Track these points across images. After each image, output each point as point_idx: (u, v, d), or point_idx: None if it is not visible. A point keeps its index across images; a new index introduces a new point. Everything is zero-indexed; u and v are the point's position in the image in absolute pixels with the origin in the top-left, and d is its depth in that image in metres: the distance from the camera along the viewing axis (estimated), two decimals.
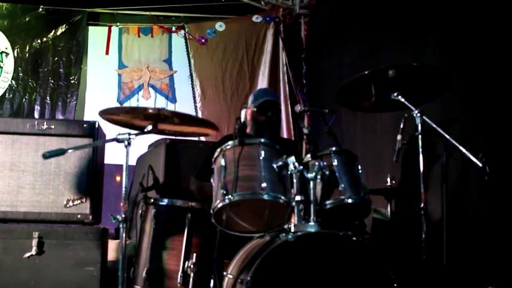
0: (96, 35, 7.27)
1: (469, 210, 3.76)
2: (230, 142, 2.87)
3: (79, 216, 3.47)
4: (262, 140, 2.87)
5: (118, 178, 6.89)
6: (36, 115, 6.81)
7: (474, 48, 3.91)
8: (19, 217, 3.46)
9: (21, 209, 3.47)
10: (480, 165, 2.73)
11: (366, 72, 3.06)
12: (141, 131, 2.81)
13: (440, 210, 3.20)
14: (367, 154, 5.08)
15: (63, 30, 7.10)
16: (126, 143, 2.69)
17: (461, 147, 2.82)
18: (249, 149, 2.83)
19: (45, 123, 3.51)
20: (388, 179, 3.64)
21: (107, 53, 7.22)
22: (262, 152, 2.81)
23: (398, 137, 3.52)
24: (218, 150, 2.91)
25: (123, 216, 2.66)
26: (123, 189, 2.69)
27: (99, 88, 7.12)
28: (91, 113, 6.90)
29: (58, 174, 3.51)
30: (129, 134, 2.68)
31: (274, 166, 2.79)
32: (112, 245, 4.53)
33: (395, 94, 3.10)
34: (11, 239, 3.35)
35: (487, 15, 3.84)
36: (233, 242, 3.28)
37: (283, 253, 2.55)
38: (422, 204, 2.98)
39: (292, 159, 2.77)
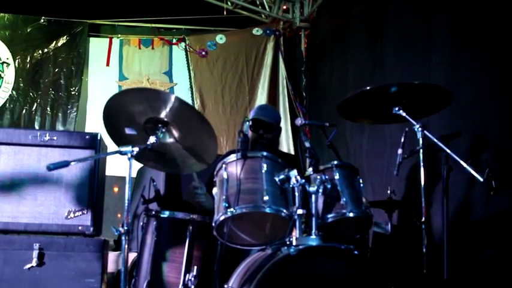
0: (97, 46, 7.33)
1: (472, 224, 3.78)
2: (232, 155, 2.89)
3: (80, 227, 3.46)
4: (265, 154, 2.88)
5: (116, 189, 6.90)
6: (37, 126, 6.82)
7: (481, 61, 3.96)
8: (20, 228, 3.45)
9: (22, 220, 3.46)
10: (481, 179, 2.74)
11: (368, 88, 3.07)
12: (144, 144, 2.81)
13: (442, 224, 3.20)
14: (374, 167, 5.10)
15: (64, 41, 7.16)
16: (129, 155, 2.69)
17: (461, 162, 2.83)
18: (251, 162, 2.85)
19: (47, 134, 3.51)
20: (389, 192, 3.64)
21: (107, 64, 7.28)
22: (265, 165, 2.82)
23: (399, 151, 3.54)
24: (220, 163, 2.92)
25: (126, 228, 2.66)
26: (126, 201, 2.69)
27: (100, 99, 7.09)
28: (92, 125, 6.92)
29: (60, 185, 3.51)
30: (132, 146, 2.68)
31: (276, 179, 2.80)
32: (111, 257, 4.52)
33: (396, 109, 3.12)
34: (11, 250, 3.33)
35: (492, 27, 3.89)
36: (234, 255, 3.29)
37: (285, 266, 2.55)
38: (423, 218, 2.98)
39: (294, 172, 2.77)
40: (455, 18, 4.31)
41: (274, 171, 2.83)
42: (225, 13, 6.81)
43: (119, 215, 6.38)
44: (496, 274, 3.67)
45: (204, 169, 3.30)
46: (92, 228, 3.48)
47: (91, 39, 7.31)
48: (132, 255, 4.38)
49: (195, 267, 3.10)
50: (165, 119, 2.98)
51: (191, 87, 7.38)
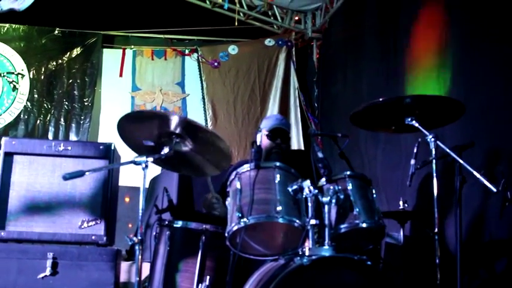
0: (110, 57, 7.39)
1: (486, 236, 3.75)
2: (246, 165, 2.89)
3: (93, 237, 3.49)
4: (278, 164, 2.88)
5: (127, 199, 6.93)
6: (50, 136, 6.88)
7: (495, 71, 3.95)
8: (34, 237, 3.48)
9: (36, 230, 3.49)
10: (495, 190, 2.73)
11: (381, 100, 3.08)
12: (159, 154, 2.83)
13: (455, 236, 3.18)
14: (388, 178, 5.09)
15: (78, 52, 7.23)
16: (143, 165, 2.71)
17: (475, 172, 2.82)
18: (264, 173, 2.85)
19: (62, 144, 3.55)
20: (401, 203, 3.63)
21: (120, 75, 7.33)
22: (278, 176, 2.83)
23: (412, 161, 3.53)
24: (234, 173, 2.93)
25: (139, 238, 2.67)
26: (140, 211, 2.70)
27: (113, 110, 7.18)
28: (105, 135, 6.97)
29: (73, 195, 3.54)
30: (147, 156, 2.70)
31: (290, 190, 2.80)
32: (123, 267, 4.53)
33: (409, 119, 3.12)
34: (25, 259, 3.37)
35: (507, 37, 3.88)
36: (246, 265, 3.29)
37: (298, 277, 2.54)
38: (436, 229, 2.97)
39: (307, 183, 2.77)
40: (469, 29, 4.31)
41: (287, 182, 2.83)
42: (236, 24, 6.82)
43: (130, 225, 6.40)
44: (510, 286, 3.65)
45: (216, 178, 3.33)
46: (105, 238, 3.50)
47: (104, 50, 7.38)
48: (145, 265, 4.39)
49: (208, 277, 3.10)
50: (177, 132, 3.00)
51: (203, 97, 7.41)
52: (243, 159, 3.86)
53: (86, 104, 7.11)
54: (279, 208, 2.71)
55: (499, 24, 3.96)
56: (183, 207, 4.58)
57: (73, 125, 7.03)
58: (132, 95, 7.32)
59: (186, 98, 7.47)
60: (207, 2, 7.33)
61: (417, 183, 4.22)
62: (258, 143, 2.96)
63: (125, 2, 6.92)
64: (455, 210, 3.08)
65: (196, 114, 7.34)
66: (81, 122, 7.05)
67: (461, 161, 2.89)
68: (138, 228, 2.71)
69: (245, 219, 2.70)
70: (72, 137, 6.93)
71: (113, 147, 3.59)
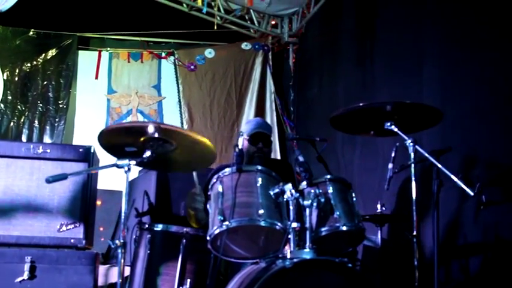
0: (86, 59, 7.34)
1: (461, 238, 3.83)
2: (227, 169, 2.91)
3: (72, 240, 3.46)
4: (259, 167, 2.90)
5: (99, 203, 6.87)
6: (24, 139, 6.80)
7: (472, 77, 4.03)
8: (11, 241, 3.44)
9: (13, 233, 3.45)
10: (472, 194, 2.79)
11: (361, 104, 3.12)
12: (141, 157, 2.82)
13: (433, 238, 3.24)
14: (365, 182, 5.15)
15: (53, 54, 7.16)
16: (125, 168, 2.70)
17: (452, 176, 2.88)
18: (246, 176, 2.87)
19: (40, 147, 3.51)
20: (378, 206, 3.68)
21: (96, 77, 7.28)
22: (259, 179, 2.85)
23: (390, 165, 3.59)
24: (215, 176, 2.94)
25: (122, 241, 2.67)
26: (123, 214, 2.69)
27: (88, 113, 7.15)
28: (79, 138, 6.91)
29: (52, 198, 3.51)
30: (129, 160, 2.70)
31: (271, 193, 2.82)
32: (100, 270, 4.50)
33: (388, 124, 3.17)
34: (2, 263, 3.32)
35: (483, 44, 3.97)
36: (226, 268, 3.30)
37: (281, 279, 2.56)
38: (415, 232, 3.02)
39: (289, 186, 2.80)
40: (446, 35, 4.39)
41: (268, 185, 2.85)
42: (215, 28, 6.83)
43: (101, 228, 6.33)
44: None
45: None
46: (84, 241, 3.48)
47: (80, 52, 7.32)
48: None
49: (189, 280, 3.11)
50: (157, 136, 2.99)
51: (179, 101, 7.39)
52: (224, 163, 3.87)
53: (60, 106, 7.04)
54: (261, 211, 2.73)
55: (475, 30, 4.04)
56: (161, 211, 4.58)
57: (47, 127, 6.95)
58: (107, 97, 7.27)
59: (162, 101, 7.46)
60: (184, 5, 7.31)
61: (394, 187, 4.27)
62: (240, 147, 2.96)
63: (101, 4, 6.87)
64: (432, 214, 3.14)
65: (173, 117, 7.32)
66: (56, 125, 6.97)
67: (439, 165, 2.95)
68: (120, 231, 2.70)
69: (227, 223, 2.72)
70: (47, 139, 6.85)
71: (92, 150, 3.57)
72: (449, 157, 3.34)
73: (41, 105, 6.99)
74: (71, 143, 6.72)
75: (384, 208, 3.64)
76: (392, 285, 3.70)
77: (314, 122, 6.90)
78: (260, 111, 7.55)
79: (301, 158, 3.11)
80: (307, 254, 2.71)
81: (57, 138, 6.86)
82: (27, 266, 3.32)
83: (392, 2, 5.34)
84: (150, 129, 2.89)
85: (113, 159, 3.19)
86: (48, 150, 3.52)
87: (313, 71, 7.18)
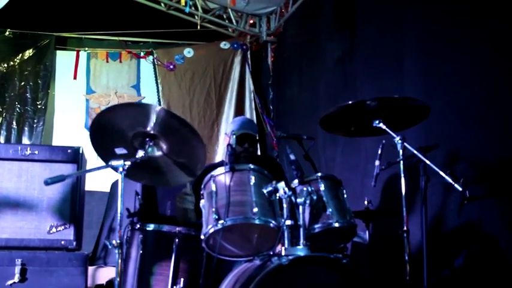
0: (64, 59, 7.28)
1: (445, 233, 3.91)
2: (220, 168, 2.93)
3: (63, 242, 3.45)
4: (252, 166, 2.94)
5: None
6: (2, 140, 6.72)
7: (453, 74, 4.12)
8: (1, 244, 3.41)
9: (2, 236, 3.42)
10: (460, 189, 2.86)
11: (350, 103, 3.17)
12: (134, 158, 2.83)
13: (419, 233, 3.30)
14: (348, 179, 5.17)
15: (30, 54, 7.08)
16: (120, 169, 2.71)
17: (441, 172, 2.94)
18: (239, 175, 2.90)
19: (28, 148, 3.49)
20: (366, 202, 3.74)
21: (74, 77, 7.22)
22: (253, 178, 2.88)
23: (377, 162, 3.65)
24: (208, 176, 2.96)
25: (119, 242, 2.67)
26: (118, 215, 2.70)
27: (67, 113, 7.10)
28: (59, 139, 6.85)
29: (41, 199, 3.49)
30: (124, 160, 2.70)
31: (264, 191, 2.86)
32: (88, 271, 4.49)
33: (377, 122, 3.22)
34: None
35: (463, 41, 4.05)
36: (217, 267, 3.32)
37: (277, 276, 2.60)
38: (405, 227, 3.08)
39: (282, 184, 2.84)
40: (427, 31, 4.46)
41: (261, 183, 2.89)
42: (199, 27, 6.82)
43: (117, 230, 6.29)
44: (467, 281, 3.82)
45: None
46: (74, 243, 3.46)
47: (58, 52, 7.25)
48: (108, 269, 4.37)
49: (182, 279, 3.13)
50: (152, 132, 3.00)
51: (159, 100, 7.38)
52: (213, 163, 3.90)
53: (39, 107, 6.96)
54: (256, 209, 2.76)
55: (456, 26, 4.12)
56: (147, 211, 4.57)
57: (26, 128, 6.87)
58: (86, 97, 7.22)
59: (142, 100, 7.42)
60: (162, 4, 7.30)
61: (378, 184, 4.32)
62: (233, 146, 2.99)
63: (78, 4, 6.81)
64: (420, 209, 3.20)
65: None
66: (34, 126, 6.90)
67: (428, 162, 3.01)
68: (116, 231, 2.70)
69: (222, 221, 2.75)
70: (25, 140, 6.77)
71: (81, 151, 3.55)
72: (433, 153, 3.40)
73: (18, 106, 6.91)
74: (50, 144, 6.65)
75: (370, 205, 3.70)
76: (381, 280, 3.76)
77: (294, 120, 6.94)
78: (240, 110, 7.58)
79: (292, 156, 3.16)
80: (301, 250, 2.76)
81: (36, 140, 6.79)
82: (17, 269, 3.29)
83: (372, 0, 5.39)
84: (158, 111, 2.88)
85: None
86: (37, 152, 3.50)
87: (292, 69, 7.22)
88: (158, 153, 3.04)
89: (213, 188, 2.87)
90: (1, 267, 3.29)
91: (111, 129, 2.93)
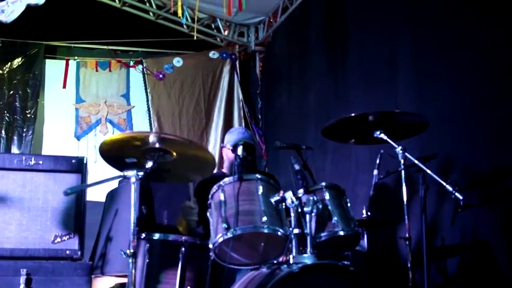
0: (53, 68, 7.26)
1: (439, 240, 4.01)
2: (227, 178, 3.00)
3: (68, 251, 3.47)
4: (259, 176, 3.01)
5: None
6: None
7: (445, 84, 4.22)
8: (5, 254, 3.41)
9: (7, 246, 3.43)
10: (461, 197, 2.96)
11: (353, 115, 3.26)
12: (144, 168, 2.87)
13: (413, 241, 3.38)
14: None
15: (19, 63, 7.06)
16: (133, 179, 2.75)
17: (442, 182, 3.04)
18: (247, 185, 2.96)
19: (33, 158, 3.51)
20: (364, 211, 3.83)
21: (64, 86, 7.21)
22: (260, 187, 2.95)
23: (375, 171, 3.75)
24: (216, 186, 3.02)
25: (132, 251, 2.71)
26: (132, 224, 2.74)
27: (56, 122, 7.08)
28: (49, 148, 6.83)
29: (45, 210, 3.50)
30: (137, 170, 2.75)
31: (272, 200, 2.93)
32: None
33: (378, 132, 3.32)
34: None
35: (455, 52, 4.16)
36: (222, 275, 3.37)
37: (288, 284, 2.66)
38: (407, 235, 3.17)
39: (289, 194, 2.91)
40: (419, 41, 4.57)
41: (269, 193, 2.96)
42: (195, 38, 6.86)
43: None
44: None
45: None
46: (79, 252, 3.49)
47: (47, 61, 7.23)
48: (106, 279, 4.38)
49: (188, 287, 3.17)
50: (158, 146, 3.05)
51: (148, 109, 7.40)
52: (214, 173, 3.94)
53: (28, 116, 6.93)
54: (265, 218, 2.82)
55: (449, 35, 4.23)
56: (144, 220, 4.60)
57: (15, 137, 6.82)
58: (76, 106, 7.21)
59: (132, 110, 7.44)
60: (150, 13, 7.36)
61: (367, 193, 4.38)
62: (241, 156, 3.06)
63: (67, 13, 6.80)
64: (420, 217, 3.30)
65: (142, 126, 7.32)
66: (24, 135, 6.86)
67: (429, 172, 3.11)
68: (130, 241, 2.74)
69: (232, 230, 2.80)
70: (14, 149, 6.73)
71: (85, 161, 3.59)
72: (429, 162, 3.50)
73: (7, 115, 6.86)
74: (40, 153, 6.62)
75: (369, 213, 3.78)
76: (381, 287, 3.85)
77: (283, 130, 7.02)
78: (229, 119, 7.64)
79: (297, 166, 3.23)
80: (308, 258, 2.83)
81: (25, 149, 6.76)
82: (23, 279, 3.30)
83: (363, 10, 5.48)
84: (152, 139, 2.94)
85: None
86: (41, 162, 3.52)
87: (281, 79, 7.31)
88: (168, 160, 3.08)
89: (222, 198, 2.93)
90: (7, 278, 3.29)
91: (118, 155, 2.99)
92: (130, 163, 2.99)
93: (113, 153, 2.98)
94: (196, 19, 7.07)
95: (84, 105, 7.25)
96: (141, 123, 7.34)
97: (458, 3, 4.24)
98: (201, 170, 3.28)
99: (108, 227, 4.45)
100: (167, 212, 4.64)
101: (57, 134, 6.99)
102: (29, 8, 2.75)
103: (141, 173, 2.75)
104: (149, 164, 2.95)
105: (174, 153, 3.07)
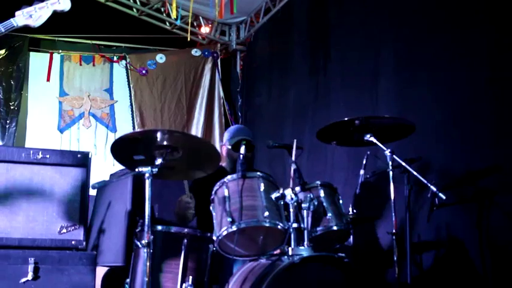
0: (37, 61, 7.30)
1: (416, 237, 4.30)
2: (230, 176, 3.22)
3: (73, 242, 3.62)
4: (261, 174, 3.25)
5: None
6: None
7: (426, 90, 4.49)
8: (14, 243, 3.55)
9: (16, 236, 3.56)
10: (444, 197, 3.24)
11: (346, 119, 3.50)
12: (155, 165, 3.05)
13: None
14: None
15: (3, 55, 7.08)
16: (147, 175, 2.94)
17: (426, 182, 3.32)
18: (249, 182, 3.20)
19: (40, 152, 3.65)
20: (350, 209, 4.08)
21: (48, 79, 7.26)
22: (262, 185, 3.19)
23: (361, 171, 4.01)
24: (219, 182, 3.24)
25: (147, 242, 2.90)
26: (147, 217, 2.93)
27: (40, 115, 7.13)
28: (32, 140, 6.90)
29: (52, 202, 3.65)
30: (152, 167, 2.94)
31: (272, 197, 3.17)
32: None
33: (368, 136, 3.57)
34: (7, 265, 3.44)
35: (435, 59, 4.43)
36: (219, 266, 3.59)
37: (290, 273, 2.91)
38: (394, 230, 3.45)
39: (289, 191, 3.16)
40: (401, 46, 4.82)
41: (269, 190, 3.20)
42: (189, 39, 7.00)
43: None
44: (436, 281, 4.22)
45: None
46: (84, 243, 3.65)
47: (31, 53, 7.27)
48: (99, 269, 4.54)
49: (190, 277, 3.37)
50: (166, 143, 3.23)
51: (131, 104, 7.52)
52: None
53: (11, 108, 6.97)
54: (266, 213, 3.07)
55: (430, 42, 4.49)
56: (137, 214, 4.76)
57: None
58: (59, 100, 7.29)
59: (114, 104, 7.55)
60: (134, 9, 7.48)
61: (350, 191, 4.62)
62: (243, 154, 3.29)
63: None
64: (405, 214, 3.57)
65: (125, 120, 7.46)
66: (7, 126, 6.91)
67: (415, 173, 3.39)
68: (145, 233, 2.93)
69: (237, 223, 3.03)
70: None
71: (90, 156, 3.74)
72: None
73: None
74: (23, 146, 6.69)
75: (355, 210, 4.05)
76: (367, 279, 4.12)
77: (262, 128, 7.20)
78: (209, 115, 7.82)
79: (293, 166, 3.48)
80: (305, 251, 3.08)
81: (8, 140, 6.81)
82: (31, 267, 3.44)
83: (347, 15, 5.69)
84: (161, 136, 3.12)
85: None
86: (48, 156, 3.66)
87: (261, 78, 7.50)
88: (176, 156, 3.24)
89: (226, 193, 3.15)
90: (15, 266, 3.43)
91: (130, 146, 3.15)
92: (138, 160, 3.16)
93: (124, 152, 3.15)
94: (179, 16, 7.22)
95: (68, 99, 7.33)
96: (124, 118, 7.47)
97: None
98: (204, 167, 3.45)
99: (100, 219, 4.61)
100: (158, 206, 4.81)
101: (41, 126, 7.06)
102: (55, 13, 2.89)
103: (155, 170, 2.93)
104: (159, 161, 3.13)
105: (181, 150, 3.25)
